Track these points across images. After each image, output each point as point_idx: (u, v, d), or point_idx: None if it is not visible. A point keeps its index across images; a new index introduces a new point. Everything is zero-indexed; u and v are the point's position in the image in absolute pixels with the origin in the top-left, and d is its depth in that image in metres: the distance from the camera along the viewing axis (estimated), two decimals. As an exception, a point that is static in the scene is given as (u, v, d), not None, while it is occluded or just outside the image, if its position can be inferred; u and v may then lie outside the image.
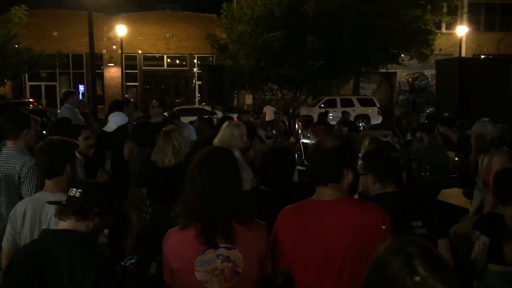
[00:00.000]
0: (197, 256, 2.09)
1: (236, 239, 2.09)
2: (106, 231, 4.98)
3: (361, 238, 2.14)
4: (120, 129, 5.34)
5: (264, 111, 16.11)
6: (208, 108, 16.41)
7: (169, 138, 4.48)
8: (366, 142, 4.26)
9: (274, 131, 10.77)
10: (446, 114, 6.47)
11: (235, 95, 11.69)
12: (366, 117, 23.16)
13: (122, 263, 2.46)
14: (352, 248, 2.14)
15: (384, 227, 2.15)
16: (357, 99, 23.66)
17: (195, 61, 28.34)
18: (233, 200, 2.12)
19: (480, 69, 6.05)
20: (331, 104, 22.38)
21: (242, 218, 2.12)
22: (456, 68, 6.09)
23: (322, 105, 22.07)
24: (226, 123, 4.38)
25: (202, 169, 2.14)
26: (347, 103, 22.65)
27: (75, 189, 2.24)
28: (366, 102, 23.50)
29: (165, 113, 8.07)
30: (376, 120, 23.13)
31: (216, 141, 4.34)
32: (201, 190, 2.10)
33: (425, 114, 12.08)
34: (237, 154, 4.15)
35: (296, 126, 9.69)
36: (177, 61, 29.27)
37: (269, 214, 2.30)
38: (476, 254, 3.09)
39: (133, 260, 2.48)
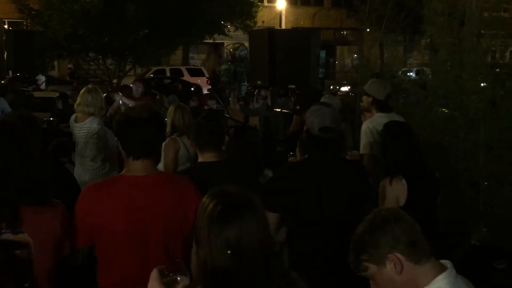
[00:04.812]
0: None
1: (22, 222, 1.92)
2: None
3: (177, 213, 2.15)
4: None
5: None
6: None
7: None
8: (172, 108, 4.27)
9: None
10: (259, 82, 6.82)
11: (47, 65, 10.76)
12: (195, 87, 23.43)
13: None
14: (168, 222, 2.14)
15: (197, 200, 2.15)
16: (187, 69, 23.71)
17: (6, 27, 25.15)
18: (23, 180, 1.94)
19: (287, 40, 6.42)
20: (160, 74, 22.04)
21: (33, 200, 1.96)
22: (266, 38, 6.36)
23: (152, 75, 21.65)
24: (84, 89, 4.40)
25: None
26: (177, 73, 22.55)
27: None
28: (196, 72, 23.70)
29: None
30: (205, 89, 23.53)
31: (76, 107, 4.33)
32: None
33: (245, 83, 12.62)
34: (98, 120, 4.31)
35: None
36: (-17, 27, 25.68)
37: None
38: None
39: None
